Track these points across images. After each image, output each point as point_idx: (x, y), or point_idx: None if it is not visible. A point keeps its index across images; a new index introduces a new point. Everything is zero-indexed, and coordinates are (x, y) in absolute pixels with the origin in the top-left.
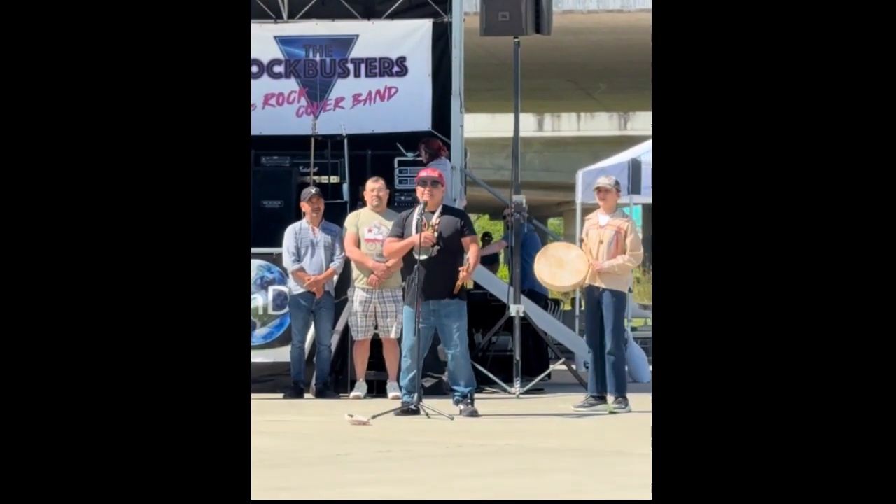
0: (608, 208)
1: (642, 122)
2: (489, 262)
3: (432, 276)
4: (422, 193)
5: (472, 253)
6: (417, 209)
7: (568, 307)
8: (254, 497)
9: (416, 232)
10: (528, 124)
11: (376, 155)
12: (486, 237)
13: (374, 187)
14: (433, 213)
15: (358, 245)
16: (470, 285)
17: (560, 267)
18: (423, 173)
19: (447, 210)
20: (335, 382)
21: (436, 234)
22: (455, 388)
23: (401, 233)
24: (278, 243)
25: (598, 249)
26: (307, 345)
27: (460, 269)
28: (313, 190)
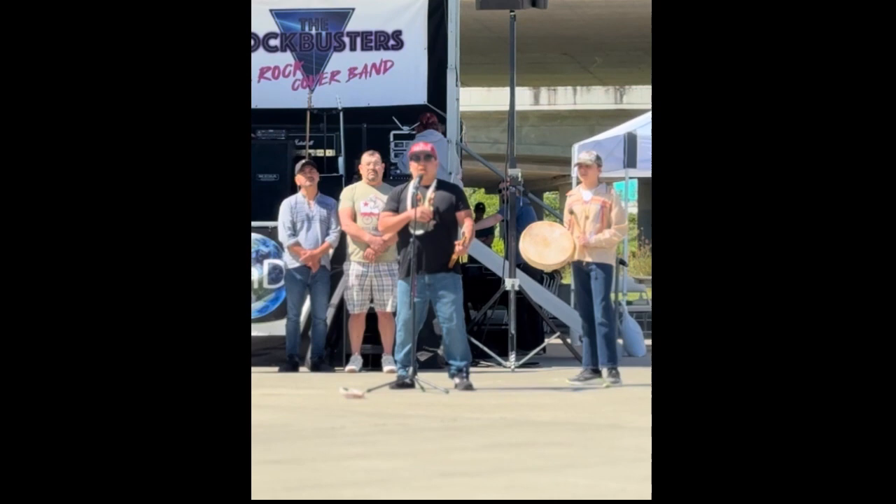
0: (589, 183)
1: (638, 95)
2: (483, 235)
3: (427, 249)
4: (416, 168)
5: (466, 227)
6: (412, 183)
7: (567, 281)
8: (254, 471)
9: (412, 206)
10: (524, 98)
11: (372, 128)
12: (479, 208)
13: (369, 161)
14: (428, 187)
15: (354, 219)
16: (465, 259)
17: (546, 245)
18: (416, 148)
19: (441, 184)
20: (330, 356)
21: (432, 208)
22: (450, 361)
23: (395, 207)
24: (274, 217)
25: (584, 224)
26: (303, 318)
27: (456, 242)
28: (305, 160)
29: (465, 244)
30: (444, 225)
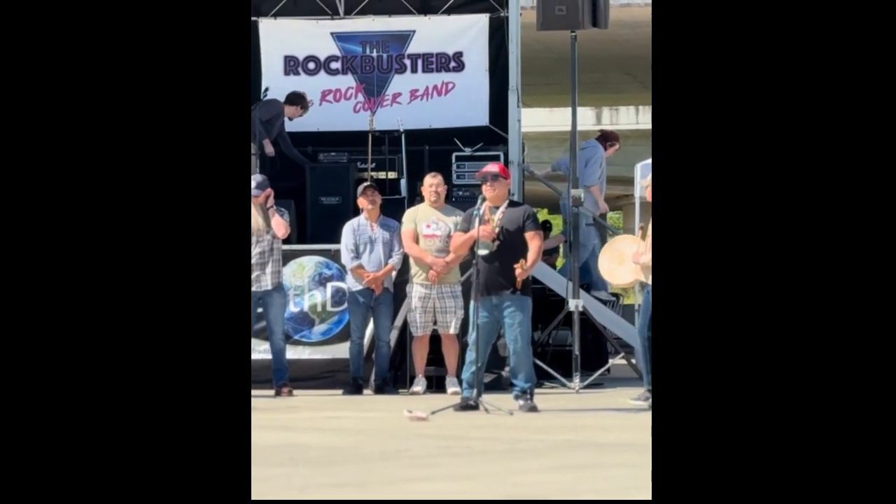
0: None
1: None
2: (546, 254)
3: (493, 270)
4: (485, 189)
5: (533, 248)
6: (480, 204)
7: (630, 301)
8: (314, 494)
9: (478, 226)
10: (586, 118)
11: (434, 150)
12: (546, 226)
13: (432, 183)
14: (497, 207)
15: (416, 241)
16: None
17: (619, 263)
18: (485, 168)
19: (512, 204)
20: (394, 378)
21: (496, 228)
22: (514, 382)
23: (467, 228)
24: (336, 240)
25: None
26: (366, 341)
27: (521, 261)
28: (367, 183)
29: (529, 264)
30: (511, 245)
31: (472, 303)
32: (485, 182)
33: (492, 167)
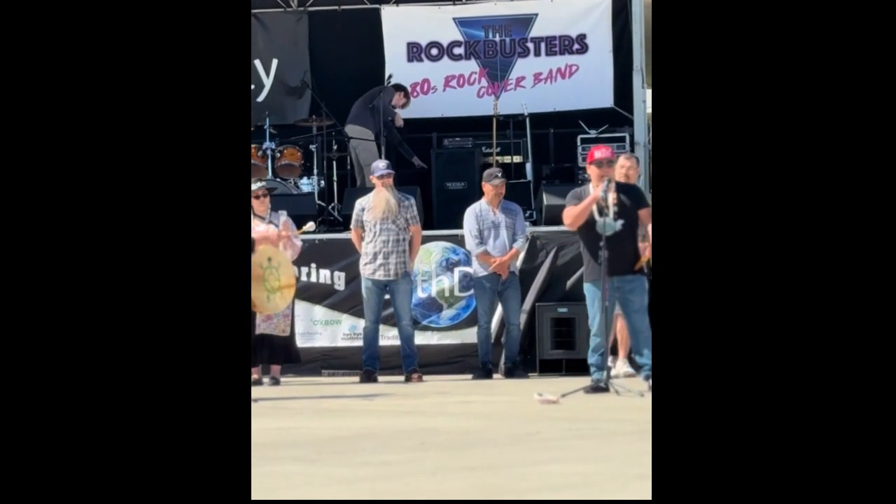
0: None
1: None
2: None
3: (614, 252)
4: (597, 174)
5: (650, 224)
6: (591, 185)
7: None
8: (450, 478)
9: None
10: None
11: (558, 133)
12: None
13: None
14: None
15: None
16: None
17: None
18: (597, 154)
19: (619, 186)
20: (524, 362)
21: (614, 208)
22: (642, 364)
23: (576, 204)
24: (462, 224)
25: None
26: (494, 325)
27: (641, 245)
28: (499, 173)
29: (650, 244)
30: (630, 225)
31: (589, 287)
32: (599, 167)
33: (604, 151)
